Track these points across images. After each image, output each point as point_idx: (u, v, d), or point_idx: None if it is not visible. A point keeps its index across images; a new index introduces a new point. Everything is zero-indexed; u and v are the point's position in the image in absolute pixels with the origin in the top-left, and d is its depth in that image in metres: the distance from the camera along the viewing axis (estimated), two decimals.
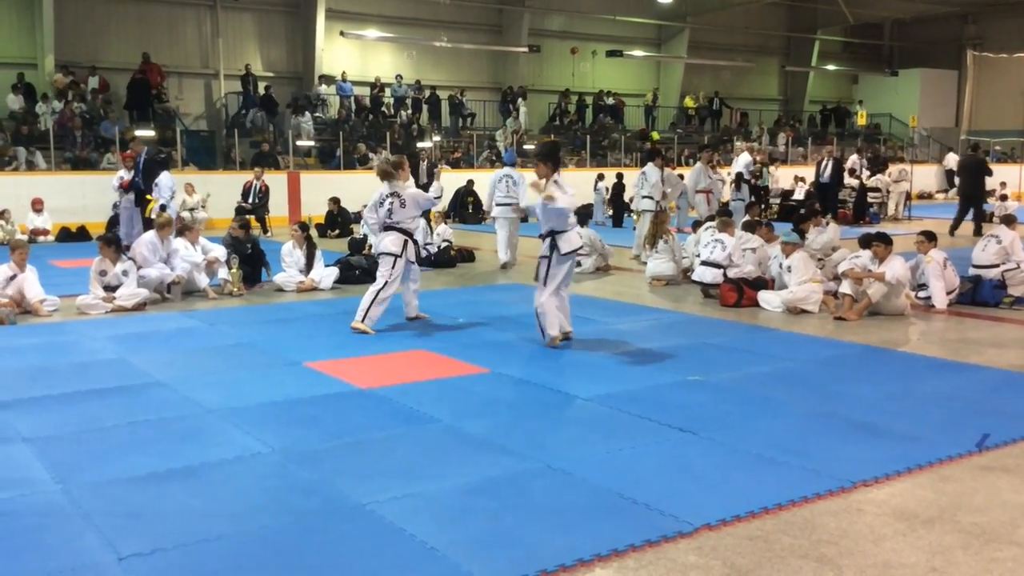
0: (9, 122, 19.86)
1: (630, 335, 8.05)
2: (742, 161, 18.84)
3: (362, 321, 8.12)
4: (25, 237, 15.41)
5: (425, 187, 15.84)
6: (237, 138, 21.42)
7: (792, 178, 22.99)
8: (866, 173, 21.69)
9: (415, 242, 8.50)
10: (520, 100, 26.93)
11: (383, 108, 25.31)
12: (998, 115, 33.82)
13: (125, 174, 14.40)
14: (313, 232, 16.02)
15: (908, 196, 21.99)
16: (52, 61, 20.83)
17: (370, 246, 13.19)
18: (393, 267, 8.24)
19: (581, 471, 4.51)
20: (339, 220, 17.44)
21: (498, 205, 12.86)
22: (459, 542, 3.71)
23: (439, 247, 13.19)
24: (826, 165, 19.42)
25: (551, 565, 3.49)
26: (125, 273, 9.40)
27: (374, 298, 8.17)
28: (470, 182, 20.68)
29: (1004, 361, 6.97)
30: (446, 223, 14.77)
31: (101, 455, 4.81)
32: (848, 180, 20.51)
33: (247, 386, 6.23)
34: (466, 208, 20.73)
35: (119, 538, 3.75)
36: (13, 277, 9.00)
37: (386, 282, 8.22)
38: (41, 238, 16.29)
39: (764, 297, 9.42)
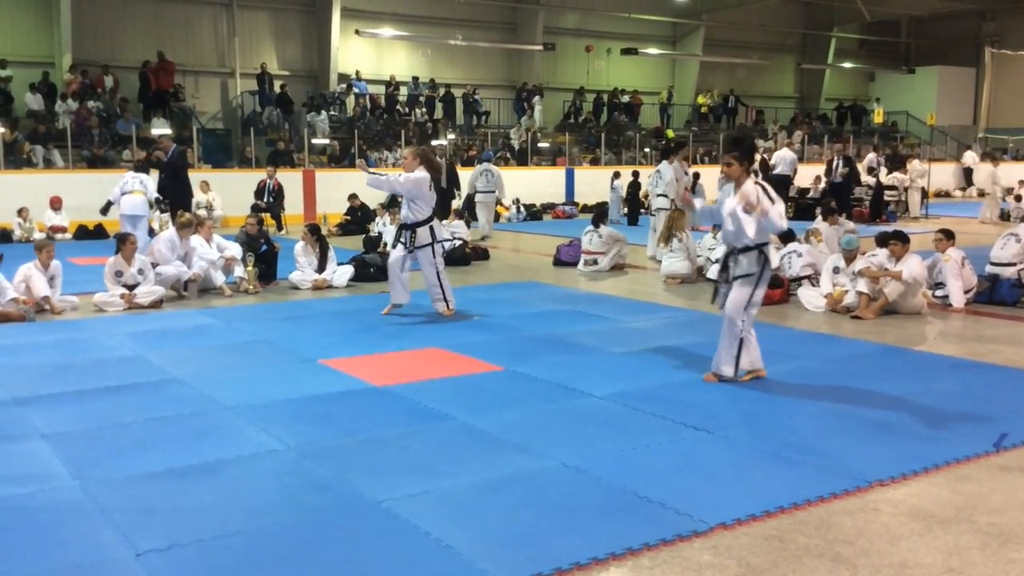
0: (27, 120, 20.01)
1: (645, 333, 8.04)
2: (787, 159, 18.82)
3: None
4: (43, 235, 15.55)
5: (448, 190, 15.98)
6: (253, 136, 21.50)
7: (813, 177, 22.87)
8: (883, 171, 21.54)
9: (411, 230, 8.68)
10: (536, 98, 26.93)
11: (397, 107, 25.35)
12: (1016, 112, 33.58)
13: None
14: (333, 229, 16.09)
15: (925, 194, 21.83)
16: (69, 60, 20.96)
17: (384, 244, 13.23)
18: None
19: (596, 469, 4.50)
20: (359, 215, 17.42)
21: (479, 192, 16.91)
22: (474, 539, 3.71)
23: (454, 244, 13.20)
24: (837, 164, 19.31)
25: (566, 563, 3.49)
26: (141, 272, 9.46)
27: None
28: None
29: (1022, 360, 6.92)
30: (462, 220, 14.78)
31: (118, 451, 4.85)
32: (865, 178, 20.38)
33: (263, 383, 6.26)
34: None
35: (136, 534, 3.77)
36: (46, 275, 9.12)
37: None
38: (59, 236, 16.38)
39: (806, 296, 9.31)
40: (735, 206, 5.96)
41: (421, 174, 8.54)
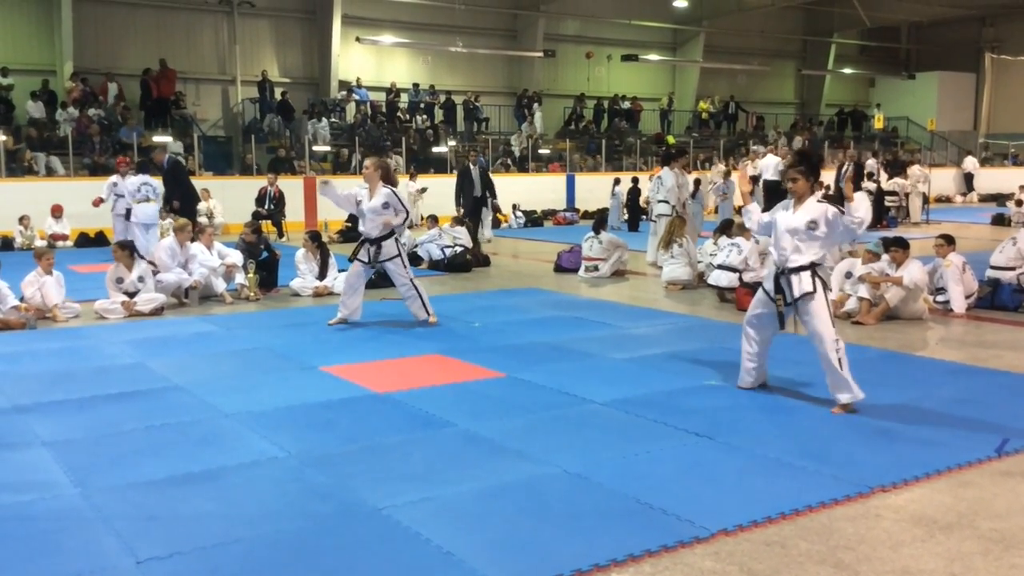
0: (28, 128, 20.03)
1: (646, 339, 8.04)
2: (771, 165, 18.80)
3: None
4: (45, 243, 15.58)
5: (482, 198, 15.85)
6: (254, 144, 21.53)
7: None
8: (884, 176, 21.54)
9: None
10: (536, 105, 26.97)
11: (398, 113, 25.39)
12: (1016, 118, 33.59)
13: (118, 180, 14.40)
14: (334, 236, 16.09)
15: (925, 199, 21.84)
16: (71, 68, 21.00)
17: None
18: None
19: (597, 476, 4.50)
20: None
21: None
22: (475, 546, 3.71)
23: (455, 251, 13.20)
24: (847, 168, 19.33)
25: (567, 570, 3.49)
26: (141, 279, 9.47)
27: None
28: None
29: (1023, 365, 6.92)
30: (463, 226, 14.78)
31: (119, 459, 4.84)
32: (864, 183, 20.39)
33: (264, 390, 6.26)
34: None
35: (137, 541, 3.77)
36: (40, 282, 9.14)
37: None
38: (60, 243, 16.40)
39: None
40: (798, 224, 5.67)
41: (387, 192, 8.53)
